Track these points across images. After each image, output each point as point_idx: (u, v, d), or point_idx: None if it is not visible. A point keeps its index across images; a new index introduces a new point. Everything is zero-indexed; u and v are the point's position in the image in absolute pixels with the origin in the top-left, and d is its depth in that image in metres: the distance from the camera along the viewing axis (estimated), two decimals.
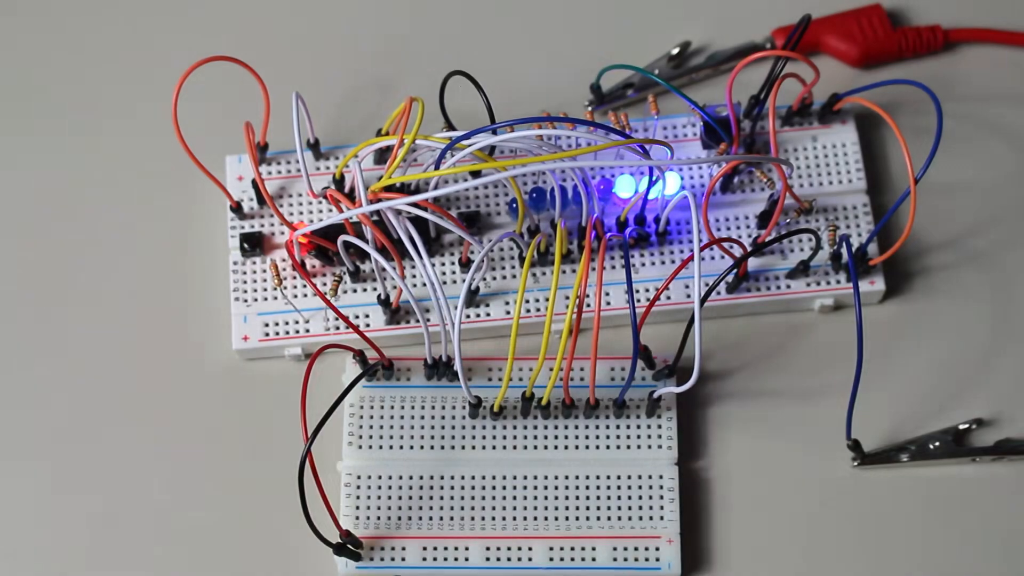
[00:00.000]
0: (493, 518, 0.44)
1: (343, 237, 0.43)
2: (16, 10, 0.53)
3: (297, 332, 0.46)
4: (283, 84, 0.45)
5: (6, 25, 0.53)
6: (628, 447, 0.45)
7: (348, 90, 0.51)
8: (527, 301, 0.47)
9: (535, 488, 0.44)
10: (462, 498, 0.44)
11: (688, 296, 0.46)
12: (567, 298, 0.46)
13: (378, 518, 0.44)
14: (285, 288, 0.47)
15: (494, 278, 0.47)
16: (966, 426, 0.45)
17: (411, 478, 0.44)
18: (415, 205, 0.42)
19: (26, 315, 0.48)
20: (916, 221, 0.44)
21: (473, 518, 0.44)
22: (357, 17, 0.53)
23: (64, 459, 0.46)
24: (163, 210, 0.49)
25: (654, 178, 0.45)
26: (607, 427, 0.45)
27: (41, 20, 0.53)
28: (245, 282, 0.47)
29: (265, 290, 0.47)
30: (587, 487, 0.44)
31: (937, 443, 0.45)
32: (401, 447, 0.44)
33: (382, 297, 0.46)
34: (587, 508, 0.44)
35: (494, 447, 0.45)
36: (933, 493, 0.45)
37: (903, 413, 0.46)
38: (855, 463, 0.45)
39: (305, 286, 0.47)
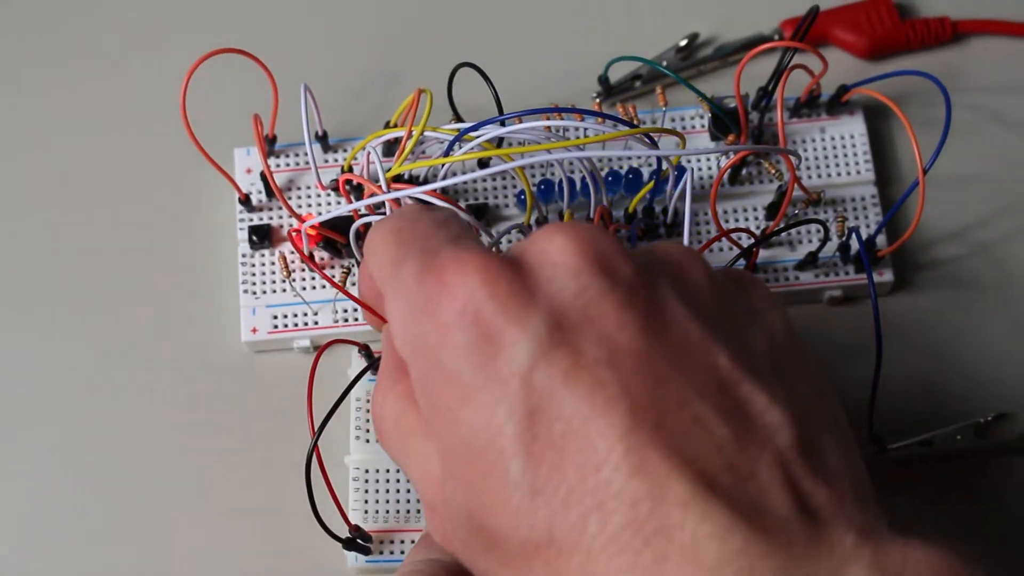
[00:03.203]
0: None
1: (360, 220, 0.43)
2: (23, 3, 0.53)
3: (306, 324, 0.46)
4: (291, 76, 0.45)
5: (11, 18, 0.53)
6: None
7: (356, 82, 0.51)
8: None
9: None
10: None
11: None
12: None
13: (387, 512, 0.44)
14: (294, 280, 0.47)
15: None
16: (988, 419, 0.45)
17: None
18: (424, 195, 0.42)
19: (33, 308, 0.48)
20: (924, 213, 0.44)
21: None
22: (365, 9, 0.53)
23: (69, 451, 0.46)
24: (171, 202, 0.49)
25: (663, 168, 0.45)
26: None
27: (48, 12, 0.53)
28: (254, 274, 0.47)
29: (274, 282, 0.47)
30: None
31: (959, 436, 0.45)
32: None
33: None
34: None
35: None
36: (957, 487, 0.45)
37: (917, 406, 0.46)
38: (877, 456, 0.45)
39: (314, 278, 0.47)
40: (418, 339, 0.29)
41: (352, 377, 0.43)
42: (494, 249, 0.45)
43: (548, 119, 0.44)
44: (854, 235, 0.44)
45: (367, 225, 0.44)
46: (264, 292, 0.47)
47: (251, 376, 0.47)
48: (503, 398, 0.27)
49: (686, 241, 0.43)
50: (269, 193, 0.48)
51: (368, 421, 0.44)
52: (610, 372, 0.26)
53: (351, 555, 0.43)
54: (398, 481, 0.44)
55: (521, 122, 0.43)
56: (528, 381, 0.27)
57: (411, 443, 0.30)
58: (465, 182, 0.45)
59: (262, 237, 0.47)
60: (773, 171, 0.47)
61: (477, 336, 0.27)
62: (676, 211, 0.46)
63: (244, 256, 0.47)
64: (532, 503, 0.26)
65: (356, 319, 0.46)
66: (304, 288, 0.47)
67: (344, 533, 0.42)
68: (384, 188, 0.42)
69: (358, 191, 0.46)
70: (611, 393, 0.26)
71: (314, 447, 0.39)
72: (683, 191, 0.44)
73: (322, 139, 0.48)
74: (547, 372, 0.27)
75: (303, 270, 0.47)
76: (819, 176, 0.48)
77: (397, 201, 0.43)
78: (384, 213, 0.44)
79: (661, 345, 0.27)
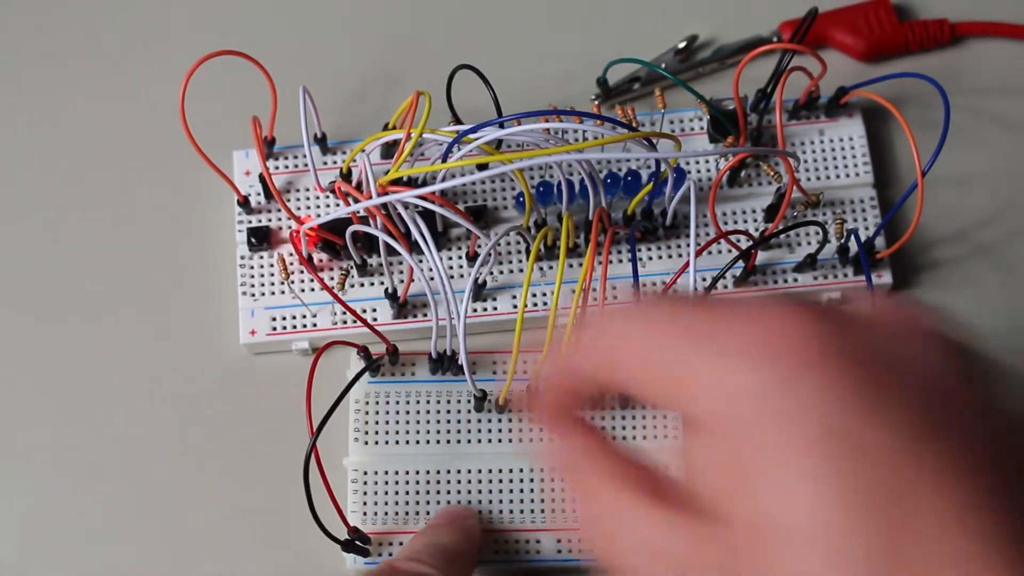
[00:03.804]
0: (500, 511, 0.44)
1: (352, 226, 0.43)
2: (24, 4, 0.53)
3: (304, 326, 0.46)
4: (290, 79, 0.45)
5: (11, 18, 0.53)
6: (634, 439, 0.45)
7: (355, 84, 0.51)
8: (533, 295, 0.47)
9: (541, 481, 0.44)
10: (468, 492, 0.44)
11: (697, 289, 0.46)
12: (573, 291, 0.46)
13: (385, 513, 0.44)
14: (292, 282, 0.47)
15: (500, 272, 0.47)
16: None
17: (417, 473, 0.44)
18: (422, 198, 0.42)
19: (33, 311, 0.48)
20: (923, 214, 0.44)
21: (480, 511, 0.44)
22: (364, 11, 0.53)
23: (69, 452, 0.46)
24: (170, 205, 0.49)
25: (661, 170, 0.45)
26: (612, 419, 0.45)
27: (48, 12, 0.53)
28: (252, 276, 0.47)
29: (272, 284, 0.47)
30: None
31: None
32: (407, 442, 0.45)
33: (389, 291, 0.46)
34: None
35: (499, 440, 0.45)
36: None
37: None
38: None
39: (312, 280, 0.47)
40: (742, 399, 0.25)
41: (351, 378, 0.43)
42: (492, 254, 0.45)
43: (547, 121, 0.44)
44: (853, 237, 0.44)
45: (366, 225, 0.44)
46: (263, 294, 0.47)
47: (250, 378, 0.47)
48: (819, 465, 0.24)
49: (692, 243, 0.43)
50: (268, 195, 0.48)
51: (367, 423, 0.45)
52: (951, 440, 0.24)
53: (350, 557, 0.43)
54: (396, 483, 0.44)
55: (520, 124, 0.43)
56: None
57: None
58: (464, 184, 0.45)
59: (260, 239, 0.47)
60: (772, 173, 0.47)
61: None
62: (675, 213, 0.46)
63: (243, 258, 0.47)
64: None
65: (354, 321, 0.46)
66: (303, 290, 0.47)
67: (343, 535, 0.42)
68: (374, 194, 0.42)
69: (357, 191, 0.46)
70: (957, 459, 0.24)
71: (312, 447, 0.39)
72: (686, 195, 0.44)
73: (321, 141, 0.48)
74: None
75: (301, 272, 0.47)
76: (818, 178, 0.48)
77: (386, 206, 0.42)
78: (385, 215, 0.44)
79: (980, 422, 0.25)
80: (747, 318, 0.26)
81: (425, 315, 0.46)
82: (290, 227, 0.47)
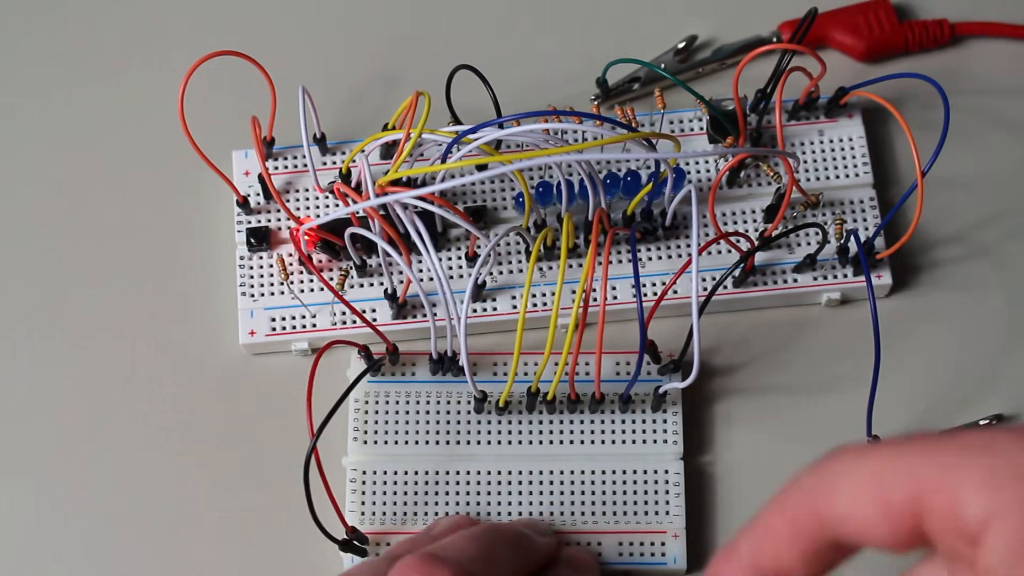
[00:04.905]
0: (499, 513, 0.44)
1: (350, 229, 0.43)
2: (24, 4, 0.53)
3: (304, 327, 0.46)
4: (290, 79, 0.45)
5: (10, 18, 0.53)
6: (634, 442, 0.44)
7: (354, 85, 0.51)
8: (534, 296, 0.47)
9: (540, 483, 0.44)
10: (467, 493, 0.44)
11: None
12: (574, 292, 0.46)
13: (384, 514, 0.44)
14: (292, 283, 0.47)
15: (500, 272, 0.47)
16: (985, 422, 0.45)
17: (416, 473, 0.44)
18: (421, 198, 0.42)
19: (31, 311, 0.48)
20: (923, 215, 0.44)
21: (479, 513, 0.44)
22: (363, 11, 0.53)
23: (68, 453, 0.46)
24: (169, 205, 0.49)
25: (661, 172, 0.45)
26: (612, 422, 0.45)
27: (48, 12, 0.53)
28: (251, 277, 0.47)
29: (272, 285, 0.47)
30: (592, 482, 0.44)
31: None
32: (407, 442, 0.44)
33: (388, 291, 0.46)
34: (592, 503, 0.44)
35: (499, 442, 0.44)
36: None
37: (917, 408, 0.46)
38: None
39: (312, 280, 0.47)
40: None
41: (352, 378, 0.43)
42: (492, 255, 0.45)
43: (546, 122, 0.44)
44: (852, 237, 0.44)
45: (365, 226, 0.44)
46: (262, 295, 0.47)
47: (250, 378, 0.47)
48: None
49: (693, 244, 0.43)
50: (267, 195, 0.48)
51: (366, 423, 0.45)
52: None
53: (347, 557, 0.43)
54: (395, 483, 0.44)
55: (519, 125, 0.43)
56: None
57: None
58: (463, 184, 0.45)
59: (260, 239, 0.47)
60: (771, 173, 0.47)
61: None
62: (675, 214, 0.46)
63: (242, 259, 0.47)
64: None
65: (354, 321, 0.46)
66: (302, 291, 0.47)
67: (340, 535, 0.42)
68: (372, 196, 0.42)
69: (356, 192, 0.46)
70: None
71: (313, 449, 0.39)
72: (686, 196, 0.44)
73: (320, 141, 0.48)
74: None
75: (301, 272, 0.47)
76: (817, 179, 0.48)
77: (385, 207, 0.42)
78: (385, 216, 0.44)
79: None
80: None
81: (424, 316, 0.46)
82: (289, 227, 0.47)
